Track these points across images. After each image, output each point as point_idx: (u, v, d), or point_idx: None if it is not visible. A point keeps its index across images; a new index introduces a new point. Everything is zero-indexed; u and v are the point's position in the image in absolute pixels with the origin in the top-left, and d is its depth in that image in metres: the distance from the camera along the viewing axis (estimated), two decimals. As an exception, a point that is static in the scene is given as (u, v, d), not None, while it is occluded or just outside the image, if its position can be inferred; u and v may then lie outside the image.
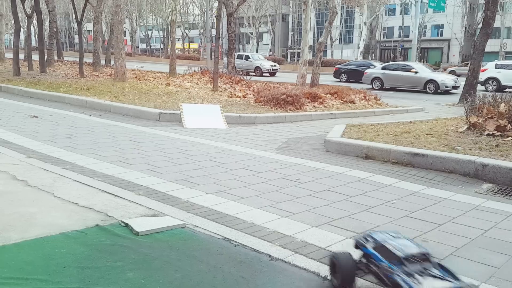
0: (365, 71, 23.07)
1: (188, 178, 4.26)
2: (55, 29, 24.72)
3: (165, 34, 61.03)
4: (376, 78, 21.51)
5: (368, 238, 2.27)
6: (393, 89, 20.84)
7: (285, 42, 69.77)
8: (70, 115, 8.46)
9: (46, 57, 19.53)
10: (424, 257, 2.09)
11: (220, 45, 21.23)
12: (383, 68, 21.95)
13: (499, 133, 5.74)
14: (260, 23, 55.10)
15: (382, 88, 20.73)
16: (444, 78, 19.80)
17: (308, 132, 7.61)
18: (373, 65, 26.91)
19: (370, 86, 21.18)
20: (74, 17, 21.51)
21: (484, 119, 6.20)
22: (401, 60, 51.25)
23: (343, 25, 57.82)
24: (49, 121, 7.54)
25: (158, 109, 8.46)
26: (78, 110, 9.22)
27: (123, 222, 3.02)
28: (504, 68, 21.34)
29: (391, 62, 26.02)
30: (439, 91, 19.20)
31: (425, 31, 55.66)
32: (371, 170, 4.83)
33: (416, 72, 20.14)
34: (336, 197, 3.84)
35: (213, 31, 22.69)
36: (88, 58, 22.75)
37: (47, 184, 3.81)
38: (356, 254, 2.28)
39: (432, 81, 19.66)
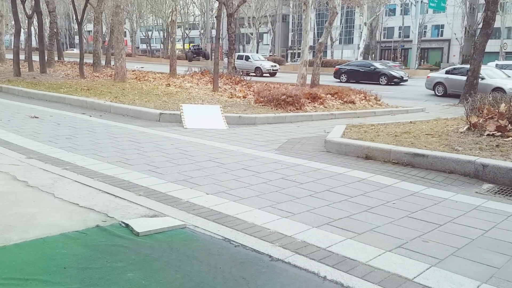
0: (428, 75, 20.57)
1: (188, 179, 4.26)
2: (55, 30, 24.71)
3: (165, 34, 61.03)
4: (439, 83, 18.91)
5: None
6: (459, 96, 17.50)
7: (285, 42, 69.79)
8: (70, 115, 8.47)
9: (46, 57, 19.52)
10: None
11: (220, 46, 21.22)
12: (446, 72, 19.31)
13: (499, 134, 5.74)
14: (260, 23, 55.09)
15: (445, 95, 18.19)
16: None
17: (308, 132, 7.61)
18: (374, 66, 26.90)
19: (432, 92, 18.98)
20: (74, 17, 21.51)
21: (484, 119, 6.20)
22: (401, 61, 51.34)
23: (343, 25, 57.83)
24: (49, 122, 7.55)
25: (158, 110, 8.47)
26: (79, 110, 9.22)
27: (123, 222, 3.02)
28: (504, 68, 21.23)
29: (457, 65, 22.40)
30: None
31: (425, 32, 55.71)
32: (372, 171, 4.83)
33: (482, 78, 16.21)
34: (337, 197, 3.84)
35: (213, 32, 22.69)
36: (88, 59, 22.73)
37: (47, 185, 3.81)
38: None
39: (499, 89, 15.71)
